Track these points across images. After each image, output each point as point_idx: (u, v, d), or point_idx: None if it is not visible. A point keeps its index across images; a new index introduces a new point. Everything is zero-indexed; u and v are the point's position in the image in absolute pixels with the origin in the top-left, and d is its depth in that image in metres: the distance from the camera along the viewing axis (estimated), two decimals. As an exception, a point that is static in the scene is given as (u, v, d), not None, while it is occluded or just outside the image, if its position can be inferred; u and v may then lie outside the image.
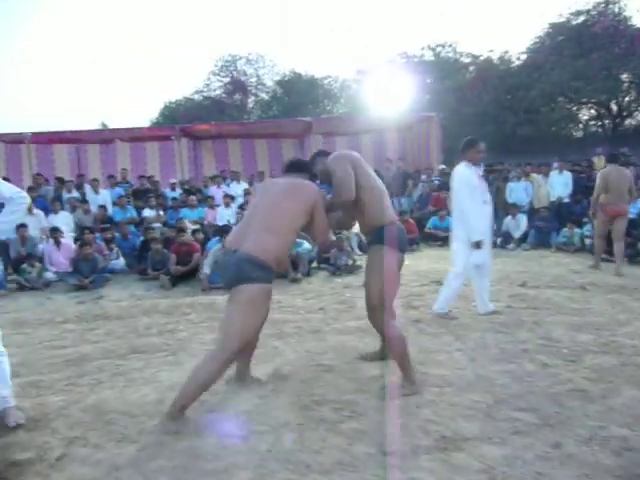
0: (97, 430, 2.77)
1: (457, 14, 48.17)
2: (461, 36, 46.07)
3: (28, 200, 3.14)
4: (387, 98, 21.24)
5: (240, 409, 2.98)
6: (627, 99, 20.58)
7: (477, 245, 4.54)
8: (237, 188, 11.27)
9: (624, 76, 19.63)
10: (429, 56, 25.62)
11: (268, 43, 58.50)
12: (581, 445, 2.49)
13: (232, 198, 10.20)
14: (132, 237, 8.88)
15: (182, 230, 7.91)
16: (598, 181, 6.99)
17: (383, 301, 3.10)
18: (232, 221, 9.22)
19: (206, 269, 6.96)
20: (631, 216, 8.29)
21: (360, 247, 8.70)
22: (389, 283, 3.10)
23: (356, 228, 9.24)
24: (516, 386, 3.19)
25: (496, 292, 5.69)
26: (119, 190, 10.65)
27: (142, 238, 8.39)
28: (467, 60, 24.84)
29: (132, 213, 9.94)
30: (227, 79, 30.95)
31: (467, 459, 2.41)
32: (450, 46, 25.55)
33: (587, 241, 8.39)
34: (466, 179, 4.63)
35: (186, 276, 7.39)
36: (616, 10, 19.66)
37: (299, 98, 27.83)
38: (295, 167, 3.26)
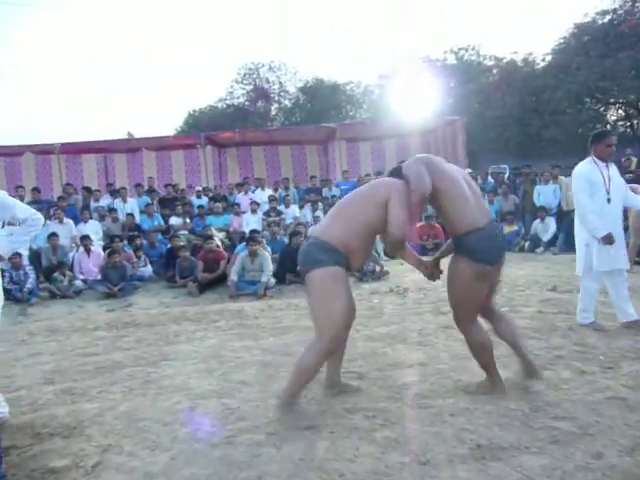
0: (131, 437, 2.79)
1: (480, 17, 47.83)
2: (484, 39, 45.74)
3: (41, 219, 3.24)
4: (410, 102, 21.17)
5: (270, 417, 2.96)
6: (657, 99, 20.11)
7: (606, 240, 4.14)
8: (262, 195, 11.34)
9: (653, 75, 19.18)
10: (452, 60, 25.48)
11: (290, 50, 58.89)
12: (624, 455, 2.41)
13: (258, 205, 10.25)
14: (159, 245, 8.99)
15: (209, 237, 7.98)
16: None
17: (462, 309, 2.99)
18: (258, 227, 9.26)
19: (233, 276, 7.00)
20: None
21: (386, 253, 8.65)
22: (464, 298, 2.95)
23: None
24: (552, 394, 3.11)
25: (526, 297, 5.61)
26: (146, 198, 10.80)
27: (169, 246, 8.49)
28: (490, 63, 24.62)
29: (159, 221, 10.08)
30: (250, 87, 31.26)
31: (505, 469, 2.35)
32: (473, 49, 25.40)
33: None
34: (583, 174, 4.29)
35: (213, 283, 7.45)
36: (644, 8, 19.26)
37: (322, 104, 27.92)
38: (393, 175, 3.10)
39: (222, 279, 7.43)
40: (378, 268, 7.42)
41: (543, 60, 21.89)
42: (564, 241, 8.94)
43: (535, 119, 20.35)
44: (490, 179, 11.85)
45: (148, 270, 8.41)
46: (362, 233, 2.88)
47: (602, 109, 21.76)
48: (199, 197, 11.36)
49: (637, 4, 19.30)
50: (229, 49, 58.90)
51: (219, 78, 64.52)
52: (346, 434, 2.73)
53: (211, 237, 7.91)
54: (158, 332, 5.13)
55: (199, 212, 10.34)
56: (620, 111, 21.80)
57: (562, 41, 21.04)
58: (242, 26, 57.99)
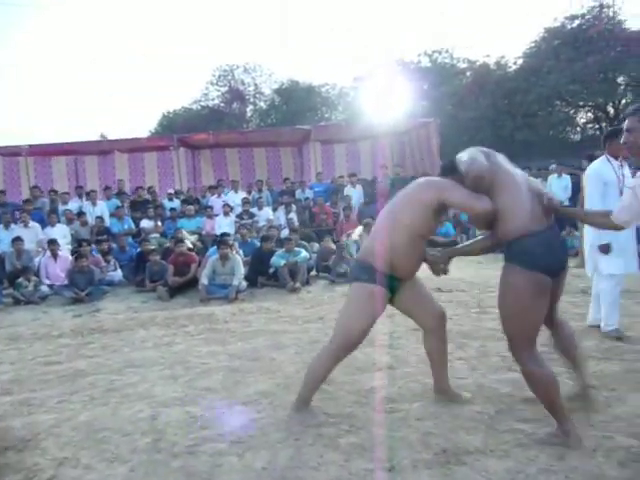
0: (88, 449, 2.70)
1: (453, 20, 48.40)
2: (457, 42, 46.22)
3: None
4: (385, 105, 21.27)
5: (234, 424, 2.90)
6: (623, 102, 20.57)
7: (603, 250, 4.03)
8: (235, 197, 11.23)
9: (620, 79, 19.67)
10: (426, 62, 25.68)
11: (265, 52, 58.77)
12: (586, 457, 2.41)
13: (230, 207, 10.16)
14: (130, 249, 8.83)
15: (180, 240, 7.86)
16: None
17: (516, 332, 2.54)
18: (231, 230, 9.16)
19: (204, 280, 6.90)
20: None
21: (359, 254, 8.65)
22: (519, 319, 2.50)
23: (355, 234, 9.23)
24: (518, 395, 3.11)
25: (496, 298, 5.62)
26: (116, 201, 10.60)
27: (139, 250, 8.33)
28: (463, 65, 24.89)
29: (130, 224, 9.90)
30: (225, 88, 31.05)
31: (469, 473, 2.34)
32: (447, 52, 25.64)
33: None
34: (596, 174, 4.12)
35: (184, 287, 7.33)
36: (610, 14, 19.72)
37: (297, 106, 27.88)
38: (446, 170, 2.88)
39: (193, 283, 7.31)
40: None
41: (515, 63, 22.24)
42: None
43: (508, 121, 20.64)
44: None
45: (118, 274, 8.24)
46: (406, 243, 2.78)
47: (572, 112, 22.18)
48: (171, 200, 11.20)
49: (604, 10, 19.75)
50: (204, 51, 58.46)
51: (194, 80, 63.87)
52: (311, 441, 2.69)
53: (182, 240, 7.79)
54: (124, 338, 5.01)
55: (171, 215, 10.19)
56: (589, 114, 22.24)
57: (533, 45, 21.40)
58: (217, 27, 57.65)
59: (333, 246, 7.81)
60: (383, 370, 3.63)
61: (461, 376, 3.45)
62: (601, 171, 4.11)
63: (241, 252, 7.86)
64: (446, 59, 25.64)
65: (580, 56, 18.61)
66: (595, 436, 2.59)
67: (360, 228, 9.12)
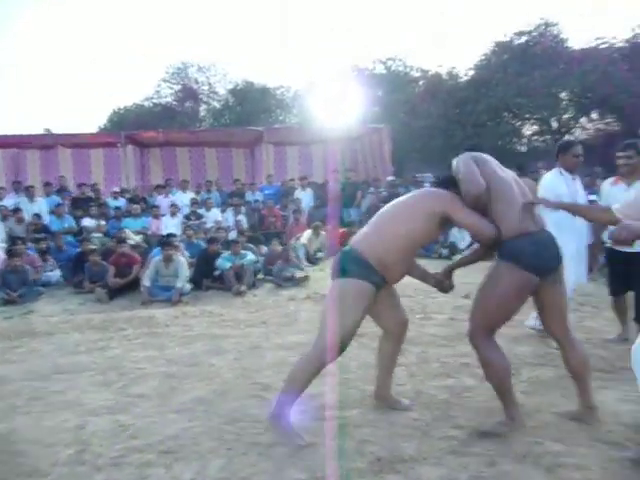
0: (4, 464, 2.53)
1: (408, 29, 49.32)
2: (411, 50, 46.98)
3: None
4: (338, 109, 21.37)
5: (165, 434, 2.79)
6: (566, 116, 21.42)
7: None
8: (183, 197, 10.99)
9: (563, 94, 20.42)
10: (380, 69, 25.96)
11: (220, 51, 57.94)
12: (516, 463, 2.44)
13: (177, 208, 9.93)
14: (69, 248, 8.46)
15: (122, 240, 7.60)
16: None
17: (487, 320, 2.69)
18: (177, 231, 8.94)
19: (146, 281, 6.69)
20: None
21: (307, 258, 8.61)
22: (493, 305, 2.64)
23: (304, 238, 9.16)
24: (455, 402, 3.13)
25: (440, 304, 5.71)
26: (56, 198, 10.16)
27: (79, 249, 8.00)
28: (417, 74, 25.31)
29: (70, 223, 9.49)
30: (178, 86, 30.42)
31: (402, 482, 2.32)
32: (400, 60, 25.99)
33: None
34: (549, 186, 4.11)
35: (126, 289, 7.08)
36: (555, 32, 20.51)
37: (252, 107, 27.63)
38: (444, 184, 2.90)
39: (135, 285, 7.08)
40: (298, 274, 7.33)
41: (466, 74, 22.78)
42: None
43: (458, 130, 21.08)
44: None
45: (55, 275, 7.88)
46: (402, 248, 2.73)
47: (519, 124, 22.87)
48: (116, 198, 10.84)
49: (549, 28, 20.53)
50: (156, 47, 57.19)
51: (146, 76, 62.37)
52: (244, 450, 2.62)
53: (124, 240, 7.53)
54: (56, 342, 4.77)
55: (115, 214, 9.86)
56: (535, 126, 23.00)
57: (483, 57, 21.99)
58: (172, 24, 56.50)
59: (279, 249, 7.74)
60: (322, 376, 3.57)
61: (400, 382, 3.44)
62: (554, 183, 4.14)
63: (187, 253, 7.68)
64: (400, 67, 25.99)
65: (527, 71, 19.24)
66: (527, 442, 2.63)
67: (309, 232, 9.10)
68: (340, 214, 10.55)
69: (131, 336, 4.92)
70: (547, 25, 20.36)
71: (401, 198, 2.95)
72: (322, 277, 7.62)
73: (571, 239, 3.92)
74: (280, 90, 30.11)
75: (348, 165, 13.87)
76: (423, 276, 3.12)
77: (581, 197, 4.19)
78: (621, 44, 19.26)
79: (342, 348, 2.68)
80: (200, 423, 2.92)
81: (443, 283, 3.08)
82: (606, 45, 19.22)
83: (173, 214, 9.74)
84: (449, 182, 2.85)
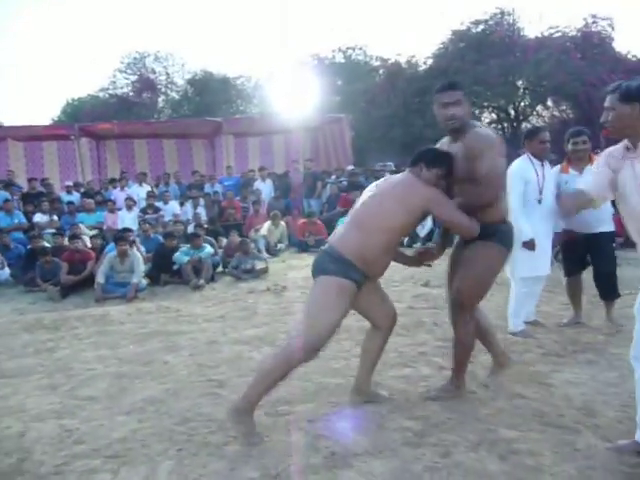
0: None
1: (367, 18, 49.29)
2: (371, 39, 47.08)
3: None
4: (298, 99, 21.23)
5: (113, 437, 2.68)
6: (523, 104, 21.83)
7: (527, 246, 3.95)
8: (140, 191, 10.71)
9: (519, 82, 20.79)
10: (340, 58, 25.90)
11: (178, 41, 56.65)
12: (469, 452, 2.43)
13: (134, 201, 9.67)
14: (17, 246, 8.12)
15: (75, 236, 7.35)
16: None
17: (475, 295, 2.90)
18: (133, 226, 8.70)
19: (100, 278, 6.48)
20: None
21: (268, 249, 8.51)
22: (485, 281, 2.87)
23: (264, 229, 9.06)
24: (411, 392, 3.12)
25: (400, 292, 5.71)
26: (4, 193, 9.73)
27: (29, 246, 7.70)
28: (376, 63, 25.34)
29: (20, 219, 9.12)
30: (135, 77, 29.61)
31: (355, 477, 2.28)
32: (360, 49, 26.00)
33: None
34: (518, 172, 4.03)
35: (80, 286, 6.85)
36: (511, 21, 20.83)
37: (211, 98, 27.13)
38: (427, 162, 2.77)
39: (90, 282, 6.85)
40: (259, 265, 7.23)
41: (425, 63, 22.93)
42: (439, 236, 9.33)
43: (418, 119, 21.21)
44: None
45: (5, 273, 7.56)
46: (383, 242, 2.65)
47: (477, 112, 23.19)
48: (69, 193, 10.49)
49: (505, 17, 20.82)
50: (111, 36, 55.50)
51: (100, 66, 60.51)
52: (195, 451, 2.53)
53: (77, 236, 7.28)
54: (3, 344, 4.56)
55: (69, 209, 9.53)
56: (493, 115, 23.38)
57: (441, 46, 22.16)
58: (127, 12, 55.00)
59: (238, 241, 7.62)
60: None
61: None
62: (522, 170, 4.08)
63: (142, 248, 7.48)
64: (360, 56, 26.02)
65: (483, 59, 19.49)
66: (481, 430, 2.63)
67: (269, 223, 9.00)
68: (301, 204, 10.48)
69: (82, 335, 4.75)
70: (503, 14, 20.64)
71: (380, 189, 2.82)
72: (282, 268, 7.57)
73: (532, 228, 3.96)
74: (240, 80, 29.70)
75: (308, 155, 13.80)
76: (404, 259, 3.15)
77: (549, 183, 4.13)
78: (573, 33, 19.70)
79: (318, 347, 2.58)
80: (150, 424, 2.82)
81: (429, 256, 3.15)
82: (559, 34, 19.63)
83: (129, 208, 9.49)
84: (432, 161, 2.76)
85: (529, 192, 4.04)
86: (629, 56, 19.68)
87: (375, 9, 50.29)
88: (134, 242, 7.26)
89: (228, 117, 16.87)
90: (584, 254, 4.31)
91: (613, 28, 19.48)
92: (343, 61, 25.60)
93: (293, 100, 21.14)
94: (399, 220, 2.67)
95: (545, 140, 4.10)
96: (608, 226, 4.23)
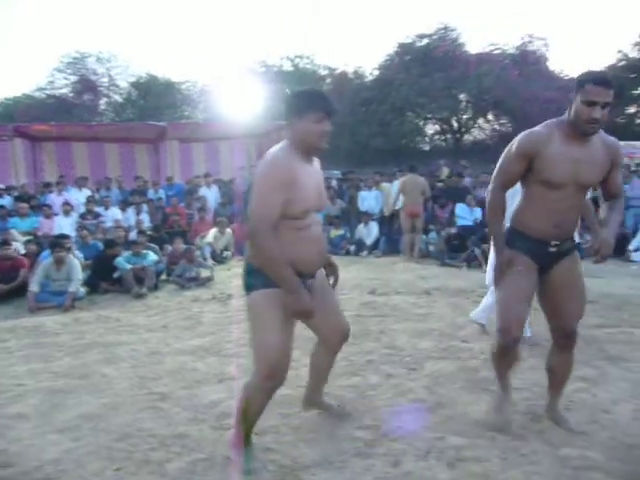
0: None
1: (315, 27, 49.67)
2: (319, 49, 47.41)
3: None
4: (245, 106, 21.05)
5: (44, 458, 2.49)
6: (465, 117, 22.60)
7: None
8: (79, 195, 10.25)
9: (462, 96, 21.54)
10: (288, 66, 25.95)
11: (121, 42, 55.11)
12: (419, 460, 2.42)
13: (71, 206, 9.24)
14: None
15: (6, 242, 6.91)
16: (398, 187, 8.81)
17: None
18: (71, 232, 8.30)
19: (33, 287, 6.11)
20: (468, 223, 8.95)
21: (214, 257, 8.33)
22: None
23: (210, 236, 8.86)
24: (360, 402, 3.08)
25: (348, 300, 5.69)
26: None
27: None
28: (324, 72, 25.58)
29: (-56, 224, 8.52)
30: (75, 77, 28.57)
31: (305, 490, 2.22)
32: (308, 58, 26.15)
33: (431, 247, 8.90)
34: None
35: (11, 296, 6.44)
36: (454, 36, 21.56)
37: (156, 102, 26.59)
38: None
39: (23, 291, 6.45)
40: (204, 273, 7.05)
41: (371, 74, 23.34)
42: (385, 244, 9.45)
43: (364, 129, 21.55)
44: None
45: None
46: (285, 236, 2.26)
47: (422, 123, 23.81)
48: (0, 196, 9.90)
49: (449, 32, 21.52)
50: (49, 33, 53.35)
51: (38, 64, 57.99)
52: (134, 469, 2.40)
53: (7, 242, 6.86)
54: None
55: (0, 213, 8.99)
56: (436, 126, 24.06)
57: (388, 58, 22.65)
58: (66, 10, 53.03)
59: (183, 248, 7.41)
60: (225, 382, 3.41)
61: (305, 385, 3.34)
62: None
63: (80, 255, 7.14)
64: (308, 65, 26.16)
65: (428, 72, 20.07)
66: (430, 438, 2.62)
67: (214, 230, 8.82)
68: (247, 212, 10.34)
69: (13, 348, 4.44)
70: (447, 29, 21.31)
71: None
72: (228, 276, 7.41)
73: None
74: (186, 85, 29.24)
75: (255, 162, 13.65)
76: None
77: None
78: (512, 51, 20.59)
79: (273, 372, 2.27)
80: (85, 442, 2.65)
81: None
82: (499, 51, 20.46)
83: (67, 213, 9.05)
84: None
85: (517, 194, 4.06)
86: (562, 75, 20.78)
87: (323, 19, 50.75)
88: (69, 249, 6.91)
89: (173, 122, 16.51)
90: None
91: (548, 48, 20.50)
92: (291, 69, 25.65)
93: (240, 106, 20.93)
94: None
95: None
96: None
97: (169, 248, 7.98)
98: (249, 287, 2.34)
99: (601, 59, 46.69)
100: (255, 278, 2.30)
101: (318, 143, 2.30)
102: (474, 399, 3.05)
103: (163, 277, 7.22)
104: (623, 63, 19.49)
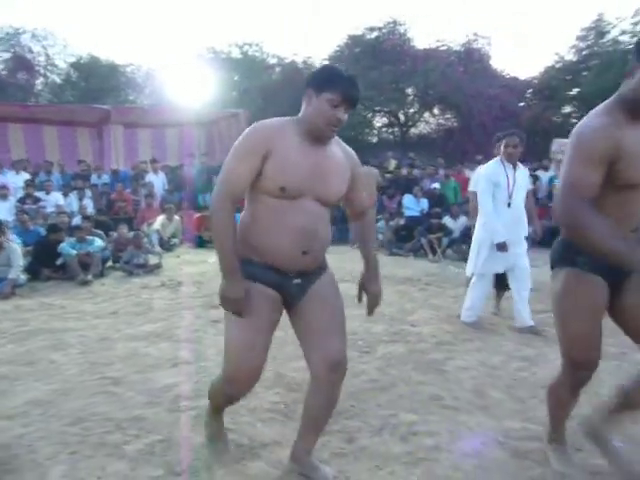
0: None
1: (263, 14, 49.09)
2: (267, 37, 46.95)
3: None
4: (193, 92, 20.67)
5: (-5, 444, 2.42)
6: (412, 110, 23.00)
7: (500, 247, 4.05)
8: (16, 179, 9.80)
9: (409, 90, 21.90)
10: (236, 54, 25.53)
11: (59, 20, 52.44)
12: (373, 436, 2.52)
13: (8, 190, 8.83)
14: None
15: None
16: None
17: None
18: (8, 216, 7.94)
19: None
20: (415, 214, 9.21)
21: (161, 244, 8.19)
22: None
23: (157, 223, 8.68)
24: (314, 382, 3.15)
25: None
26: None
27: None
28: (273, 61, 25.34)
29: None
30: (8, 54, 27.03)
31: (264, 467, 2.27)
32: (257, 45, 25.80)
33: (380, 236, 9.08)
34: (487, 175, 4.16)
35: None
36: (402, 31, 21.86)
37: (98, 84, 25.49)
38: None
39: (-43, 277, 6.13)
40: (152, 260, 6.93)
41: (321, 65, 23.35)
42: (336, 234, 9.54)
43: (313, 119, 21.57)
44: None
45: None
46: (245, 215, 2.05)
47: (370, 115, 24.05)
48: None
49: (398, 27, 21.81)
50: (-17, 8, 50.06)
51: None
52: (90, 453, 2.37)
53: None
54: None
55: None
56: (384, 119, 24.37)
57: (338, 49, 22.70)
58: (0, -16, 49.86)
59: (130, 235, 7.25)
60: (179, 366, 3.41)
61: (261, 367, 3.39)
62: (492, 173, 4.16)
63: (19, 241, 6.85)
64: (257, 52, 25.82)
65: (377, 65, 20.26)
66: (382, 415, 2.73)
67: (162, 217, 8.67)
68: (195, 199, 10.21)
69: (-50, 336, 4.24)
70: (396, 23, 21.57)
71: None
72: (177, 263, 7.33)
73: (504, 230, 4.08)
74: (130, 68, 28.20)
75: (204, 149, 13.47)
76: None
77: (520, 188, 4.21)
78: (457, 48, 21.12)
79: (236, 376, 2.02)
80: (36, 427, 2.59)
81: None
82: (445, 48, 20.95)
83: (4, 197, 8.65)
84: None
85: (498, 195, 4.13)
86: (504, 73, 21.54)
87: (271, 6, 50.20)
88: (6, 233, 6.61)
89: (117, 106, 15.99)
90: None
91: (491, 47, 21.16)
92: (240, 57, 25.25)
93: (188, 93, 20.53)
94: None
95: (509, 145, 4.13)
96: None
97: (114, 234, 7.78)
98: None
99: (539, 60, 48.75)
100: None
101: (324, 128, 1.97)
102: (424, 379, 3.19)
103: (109, 264, 7.04)
104: (560, 65, 20.35)
